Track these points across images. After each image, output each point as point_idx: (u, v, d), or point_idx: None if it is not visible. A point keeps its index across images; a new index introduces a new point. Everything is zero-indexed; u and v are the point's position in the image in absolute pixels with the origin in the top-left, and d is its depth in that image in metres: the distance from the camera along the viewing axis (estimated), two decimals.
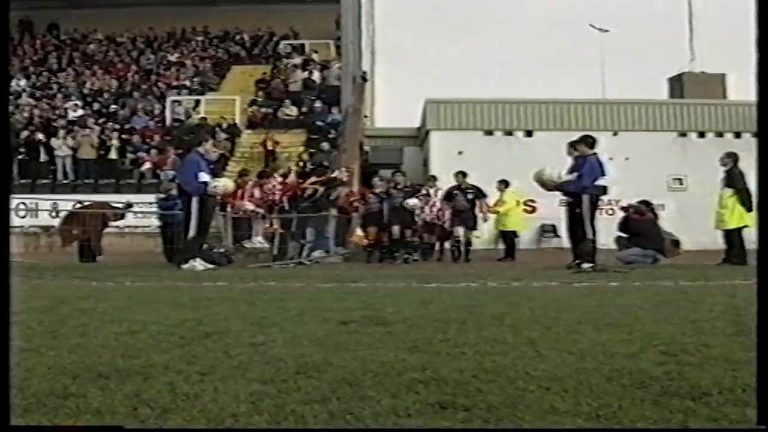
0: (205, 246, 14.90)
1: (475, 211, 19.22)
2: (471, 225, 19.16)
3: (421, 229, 19.48)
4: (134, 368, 3.65)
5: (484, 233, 21.15)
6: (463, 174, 19.50)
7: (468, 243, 19.03)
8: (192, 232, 13.91)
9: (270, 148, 27.33)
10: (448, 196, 19.49)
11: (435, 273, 12.73)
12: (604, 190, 13.41)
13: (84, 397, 3.11)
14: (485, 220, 19.58)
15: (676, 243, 16.07)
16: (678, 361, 3.85)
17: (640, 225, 15.78)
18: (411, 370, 3.57)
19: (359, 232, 19.07)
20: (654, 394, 3.16)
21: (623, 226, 16.11)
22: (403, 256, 18.80)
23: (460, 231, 19.00)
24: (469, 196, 19.08)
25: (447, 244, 20.04)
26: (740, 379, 3.35)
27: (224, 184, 15.06)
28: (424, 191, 19.99)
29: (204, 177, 13.97)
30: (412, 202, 18.88)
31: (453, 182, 19.75)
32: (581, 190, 13.06)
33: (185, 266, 13.52)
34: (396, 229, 18.77)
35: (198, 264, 13.56)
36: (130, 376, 3.48)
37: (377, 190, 19.52)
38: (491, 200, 19.84)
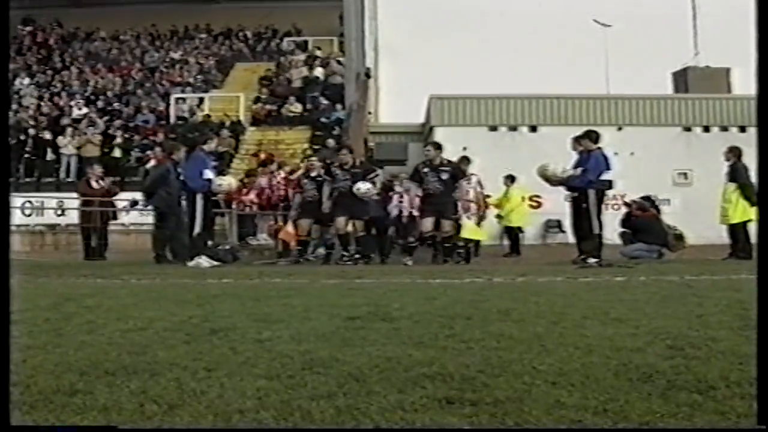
0: (210, 243, 14.96)
1: (455, 195, 15.22)
2: (448, 213, 15.00)
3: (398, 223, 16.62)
4: (141, 365, 3.66)
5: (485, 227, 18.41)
6: (436, 146, 15.65)
7: (449, 237, 15.03)
8: (197, 229, 13.95)
9: (263, 158, 27.13)
10: (416, 176, 15.49)
11: (440, 269, 12.72)
12: (609, 184, 13.40)
13: (91, 393, 3.12)
14: (466, 209, 15.71)
15: (680, 237, 16.05)
16: (685, 355, 3.85)
17: (643, 221, 15.78)
18: (417, 366, 3.58)
19: (290, 227, 16.22)
20: (661, 388, 3.16)
21: (626, 222, 16.11)
22: (353, 256, 15.35)
23: (427, 224, 14.96)
24: (444, 176, 14.93)
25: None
26: (747, 372, 3.35)
27: (228, 182, 15.05)
28: (378, 174, 16.51)
29: (209, 174, 14.00)
30: (364, 187, 15.18)
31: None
32: (587, 184, 13.04)
33: (191, 263, 13.57)
34: (341, 221, 15.33)
35: (204, 261, 13.59)
36: (136, 373, 3.49)
37: (313, 174, 16.16)
38: (495, 195, 19.75)
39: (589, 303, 6.45)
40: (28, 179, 27.18)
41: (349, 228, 15.52)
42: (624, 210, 16.92)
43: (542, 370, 3.48)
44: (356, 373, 3.44)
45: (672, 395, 3.05)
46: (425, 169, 15.16)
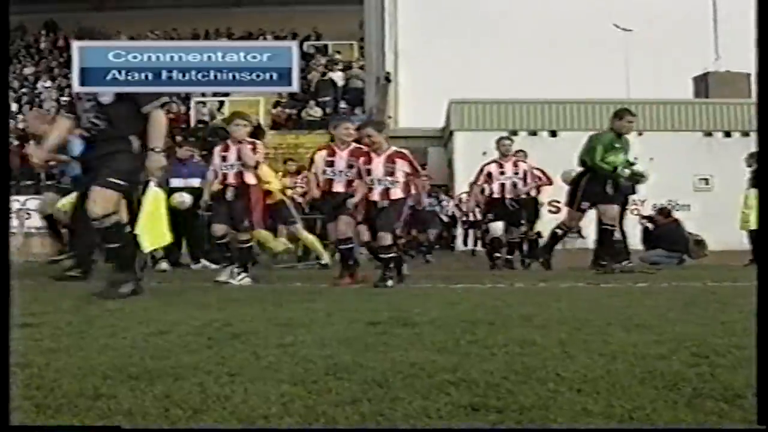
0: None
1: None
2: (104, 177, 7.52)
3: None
4: (164, 369, 3.65)
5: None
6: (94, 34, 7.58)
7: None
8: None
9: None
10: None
11: (461, 273, 12.70)
12: (632, 189, 13.38)
13: (115, 398, 3.11)
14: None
15: (701, 243, 16.03)
16: (710, 362, 3.82)
17: (665, 228, 15.75)
18: (441, 372, 3.56)
19: None
20: (687, 396, 3.13)
21: (648, 228, 16.09)
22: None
23: (92, 207, 7.49)
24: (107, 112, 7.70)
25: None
26: None
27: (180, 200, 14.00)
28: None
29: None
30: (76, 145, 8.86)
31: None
32: None
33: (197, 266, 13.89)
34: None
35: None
36: (160, 377, 3.48)
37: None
38: None
39: (611, 309, 6.43)
40: (48, 182, 27.27)
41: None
42: (643, 217, 16.91)
43: (567, 377, 3.45)
44: (380, 378, 3.42)
45: (699, 403, 3.02)
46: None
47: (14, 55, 35.21)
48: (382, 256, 9.93)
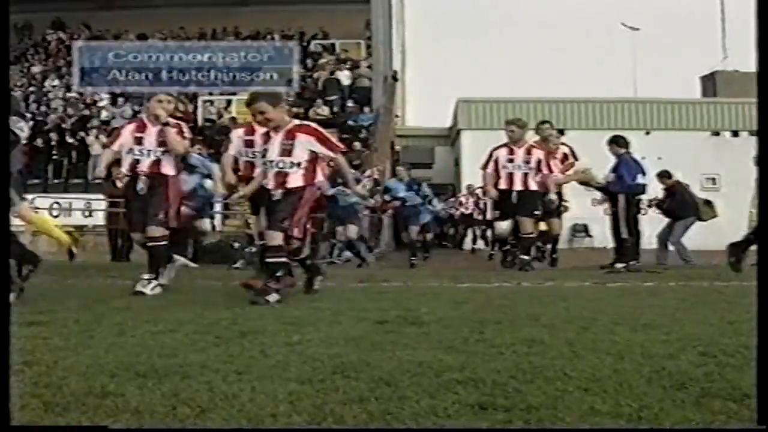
0: (237, 245, 15.02)
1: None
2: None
3: None
4: (172, 367, 3.66)
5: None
6: None
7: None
8: None
9: None
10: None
11: (468, 273, 12.66)
12: (643, 188, 13.26)
13: (123, 396, 3.12)
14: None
15: (710, 203, 16.04)
16: (718, 362, 3.82)
17: (673, 193, 15.74)
18: (449, 371, 3.57)
19: None
20: (695, 396, 3.13)
21: (662, 201, 16.05)
22: None
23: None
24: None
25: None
26: None
27: None
28: None
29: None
30: None
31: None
32: (626, 189, 12.84)
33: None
34: None
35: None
36: (167, 376, 3.49)
37: None
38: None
39: (618, 308, 6.42)
40: (56, 180, 27.30)
41: None
42: (652, 214, 16.85)
43: (574, 376, 3.46)
44: (387, 377, 3.43)
45: (706, 403, 3.03)
46: None
47: (22, 54, 35.24)
48: (268, 260, 7.73)
